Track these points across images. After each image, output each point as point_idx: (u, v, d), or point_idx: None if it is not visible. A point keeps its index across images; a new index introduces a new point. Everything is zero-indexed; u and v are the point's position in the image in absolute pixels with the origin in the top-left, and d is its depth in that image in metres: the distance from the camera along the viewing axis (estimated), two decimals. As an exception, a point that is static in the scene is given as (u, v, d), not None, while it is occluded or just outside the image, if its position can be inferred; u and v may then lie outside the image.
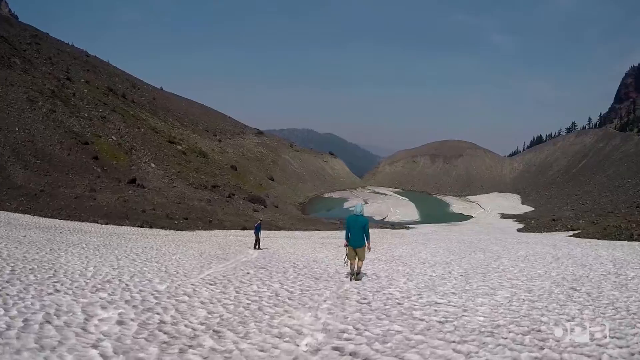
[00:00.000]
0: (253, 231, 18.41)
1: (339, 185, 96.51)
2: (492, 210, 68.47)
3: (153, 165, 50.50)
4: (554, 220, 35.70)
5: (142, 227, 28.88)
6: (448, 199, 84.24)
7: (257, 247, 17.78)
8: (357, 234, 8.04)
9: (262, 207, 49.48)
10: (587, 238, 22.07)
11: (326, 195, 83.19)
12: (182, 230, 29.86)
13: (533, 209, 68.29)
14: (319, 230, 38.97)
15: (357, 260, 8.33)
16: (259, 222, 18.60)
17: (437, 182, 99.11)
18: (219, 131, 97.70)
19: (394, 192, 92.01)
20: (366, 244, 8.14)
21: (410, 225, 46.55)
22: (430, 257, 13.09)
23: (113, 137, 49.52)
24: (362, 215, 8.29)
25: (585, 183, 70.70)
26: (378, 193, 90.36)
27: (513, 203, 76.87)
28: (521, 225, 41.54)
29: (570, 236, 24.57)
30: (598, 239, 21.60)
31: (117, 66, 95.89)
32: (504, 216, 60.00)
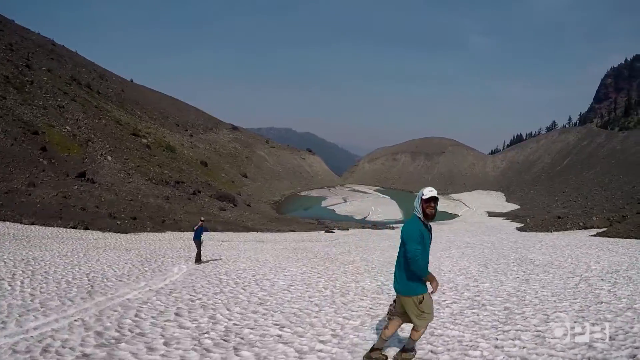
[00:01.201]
0: (201, 235, 13.20)
1: (317, 183, 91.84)
2: (478, 208, 65.24)
3: (110, 158, 44.60)
4: (559, 217, 31.91)
5: (75, 228, 23.91)
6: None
7: (198, 260, 12.68)
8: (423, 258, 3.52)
9: (232, 205, 44.15)
10: (620, 237, 18.00)
11: (303, 193, 78.31)
12: (124, 233, 24.75)
13: (519, 206, 65.51)
14: (293, 231, 34.03)
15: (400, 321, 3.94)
16: (199, 223, 13.35)
17: (419, 180, 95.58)
18: (190, 125, 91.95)
19: (374, 190, 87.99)
20: (428, 284, 3.64)
21: (394, 225, 42.15)
22: (475, 282, 8.36)
23: (68, 128, 43.49)
24: (416, 215, 3.62)
25: (572, 180, 68.65)
26: (358, 191, 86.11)
27: (497, 201, 74.03)
28: (516, 224, 37.81)
29: (594, 235, 20.61)
30: (635, 238, 17.59)
31: (86, 57, 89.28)
32: (492, 214, 56.66)
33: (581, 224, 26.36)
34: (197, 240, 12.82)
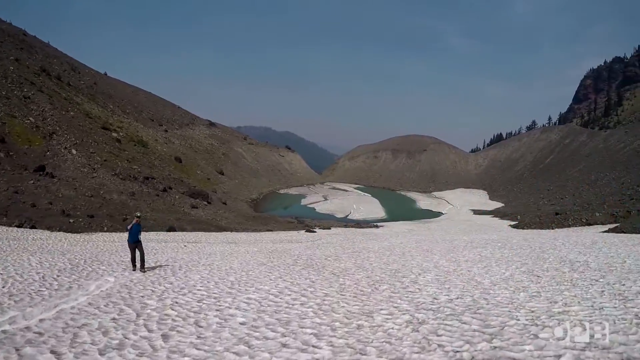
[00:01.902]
0: (139, 235, 9.77)
1: (296, 180, 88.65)
2: (462, 206, 63.48)
3: (74, 152, 40.39)
4: (557, 214, 29.91)
5: (20, 226, 21.09)
6: (413, 195, 78.71)
7: (136, 266, 9.42)
8: None
9: (205, 203, 40.55)
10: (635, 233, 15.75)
11: (282, 191, 75.05)
12: (76, 232, 21.40)
13: (503, 204, 64.24)
14: (271, 230, 30.89)
15: None
16: (134, 221, 9.79)
17: (400, 178, 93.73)
18: (165, 121, 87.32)
19: (355, 189, 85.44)
20: None
21: (378, 224, 39.53)
22: (565, 307, 5.41)
23: (31, 119, 39.15)
24: None
25: (556, 178, 67.93)
26: (338, 189, 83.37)
27: (481, 199, 72.68)
28: (506, 222, 35.75)
29: (606, 232, 18.38)
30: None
31: (59, 48, 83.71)
32: (477, 212, 54.87)
33: (584, 220, 24.39)
34: (133, 244, 9.49)
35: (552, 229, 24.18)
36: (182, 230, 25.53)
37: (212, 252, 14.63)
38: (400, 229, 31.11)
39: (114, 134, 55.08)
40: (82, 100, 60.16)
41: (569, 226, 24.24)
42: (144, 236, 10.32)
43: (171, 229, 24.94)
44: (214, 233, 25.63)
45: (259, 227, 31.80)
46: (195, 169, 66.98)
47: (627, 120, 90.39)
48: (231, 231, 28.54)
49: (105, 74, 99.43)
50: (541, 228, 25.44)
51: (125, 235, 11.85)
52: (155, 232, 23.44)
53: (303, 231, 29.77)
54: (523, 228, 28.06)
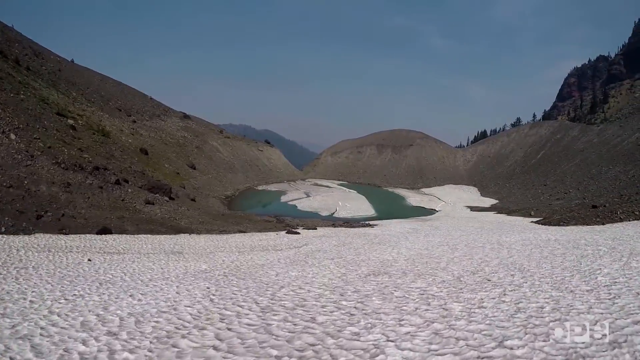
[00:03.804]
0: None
1: (276, 177, 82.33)
2: (454, 203, 58.67)
3: (13, 136, 33.10)
4: (594, 207, 24.98)
5: None
6: (401, 191, 73.51)
7: None
8: None
9: (167, 198, 33.94)
10: None
11: (260, 187, 68.61)
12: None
13: (497, 201, 59.94)
14: (243, 232, 24.73)
15: None
16: None
17: (386, 174, 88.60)
18: (135, 111, 79.41)
19: (339, 185, 79.78)
20: None
21: (370, 222, 33.84)
22: None
23: None
24: None
25: (551, 173, 64.30)
26: (321, 185, 77.47)
27: (472, 195, 68.24)
28: (519, 218, 30.69)
29: None
30: None
31: (23, 33, 74.88)
32: (474, 209, 50.07)
33: (637, 213, 19.56)
34: None
35: (602, 224, 19.16)
36: (121, 232, 19.15)
37: (114, 277, 8.51)
38: (401, 229, 25.48)
39: (70, 121, 47.88)
40: (40, 86, 52.81)
41: (621, 220, 19.34)
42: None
43: (104, 230, 18.49)
44: (163, 236, 19.33)
45: (229, 227, 25.62)
46: (162, 162, 59.97)
47: (613, 117, 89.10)
48: (190, 233, 22.26)
49: (72, 62, 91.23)
50: (584, 224, 20.39)
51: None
52: (78, 235, 17.03)
53: (283, 232, 23.80)
54: (550, 224, 23.03)
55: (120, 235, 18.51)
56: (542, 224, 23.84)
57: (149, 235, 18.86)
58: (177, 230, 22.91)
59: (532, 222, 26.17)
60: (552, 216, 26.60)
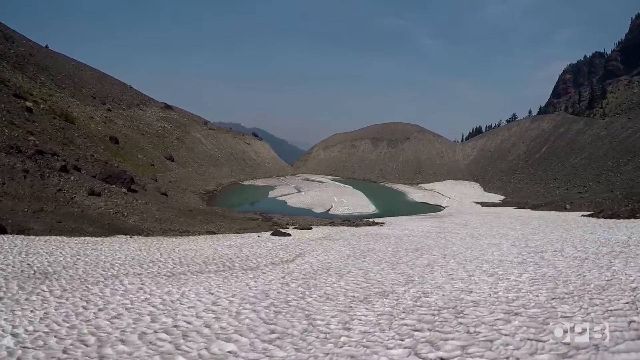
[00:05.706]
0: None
1: (264, 171, 76.56)
2: (460, 198, 53.87)
3: None
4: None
5: None
6: (400, 187, 68.48)
7: None
8: None
9: (124, 190, 28.04)
10: None
11: (247, 182, 62.82)
12: None
13: (504, 196, 55.44)
14: (214, 233, 19.07)
15: None
16: None
17: (382, 169, 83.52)
18: (111, 100, 72.81)
19: (332, 180, 74.39)
20: None
21: (376, 220, 28.43)
22: None
23: None
24: None
25: (559, 167, 60.19)
26: (313, 180, 72.00)
27: (476, 190, 63.80)
28: (551, 212, 25.74)
29: None
30: None
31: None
32: (485, 204, 45.31)
33: None
34: None
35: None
36: (23, 232, 13.39)
37: None
38: (421, 227, 20.22)
39: (28, 103, 41.61)
40: (3, 68, 46.65)
41: None
42: None
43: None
44: (78, 239, 13.55)
45: (196, 226, 19.99)
46: (136, 153, 53.77)
47: (613, 112, 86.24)
48: (133, 235, 16.51)
49: (46, 47, 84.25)
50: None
51: None
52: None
53: (267, 234, 18.24)
54: (612, 217, 18.16)
55: (20, 235, 12.74)
56: (603, 218, 18.89)
57: (56, 238, 13.10)
58: (114, 230, 17.12)
59: (582, 215, 21.20)
60: (602, 210, 21.67)
